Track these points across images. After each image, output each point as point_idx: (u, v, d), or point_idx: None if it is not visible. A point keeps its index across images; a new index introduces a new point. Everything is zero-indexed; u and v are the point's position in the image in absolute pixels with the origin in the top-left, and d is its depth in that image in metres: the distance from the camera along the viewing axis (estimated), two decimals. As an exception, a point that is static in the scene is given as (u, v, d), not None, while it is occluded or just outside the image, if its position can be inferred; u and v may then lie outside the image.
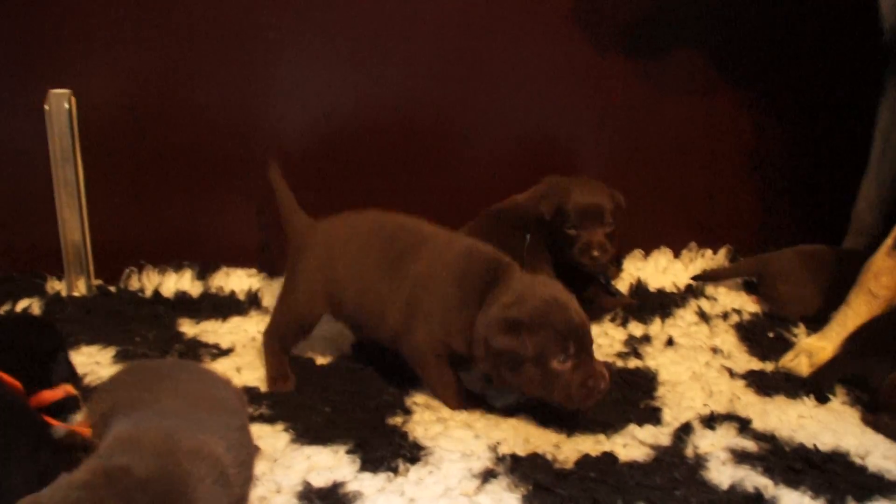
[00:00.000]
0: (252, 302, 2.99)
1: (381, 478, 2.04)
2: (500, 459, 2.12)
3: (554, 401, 2.21)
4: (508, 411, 2.36)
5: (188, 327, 2.83)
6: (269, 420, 2.28)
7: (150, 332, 2.77)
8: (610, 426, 2.28)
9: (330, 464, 2.09)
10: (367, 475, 2.05)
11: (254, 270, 3.16)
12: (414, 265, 2.34)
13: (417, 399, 2.41)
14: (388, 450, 2.13)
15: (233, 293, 3.04)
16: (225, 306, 2.96)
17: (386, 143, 3.19)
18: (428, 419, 2.31)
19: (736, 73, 3.28)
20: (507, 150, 3.24)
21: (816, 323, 2.78)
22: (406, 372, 2.50)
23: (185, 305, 2.97)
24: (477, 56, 3.15)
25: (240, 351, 2.69)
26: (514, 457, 2.12)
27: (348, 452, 2.13)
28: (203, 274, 3.11)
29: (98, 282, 3.11)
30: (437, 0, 3.09)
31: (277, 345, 2.53)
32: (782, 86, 3.31)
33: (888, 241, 2.59)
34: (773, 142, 3.36)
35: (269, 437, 2.19)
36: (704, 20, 3.22)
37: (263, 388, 2.45)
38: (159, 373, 1.98)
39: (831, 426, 2.35)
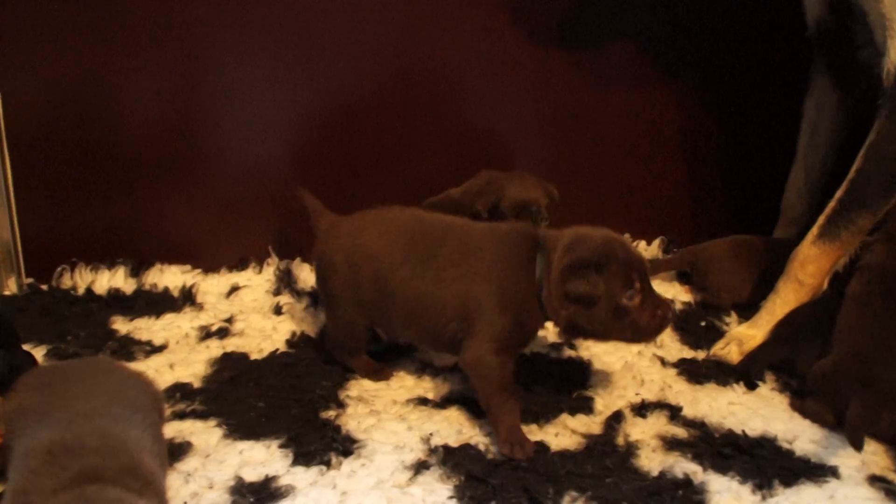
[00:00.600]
0: (186, 298, 2.97)
1: (313, 471, 2.04)
2: (432, 451, 2.13)
3: (628, 339, 2.23)
4: (442, 403, 2.37)
5: (121, 325, 2.80)
6: (201, 416, 2.27)
7: (82, 330, 2.74)
8: (542, 416, 2.30)
9: (262, 458, 2.09)
10: (299, 469, 2.05)
11: (188, 267, 3.13)
12: (449, 258, 2.28)
13: (351, 392, 2.41)
14: (321, 443, 2.13)
15: (167, 290, 3.01)
16: (159, 303, 2.93)
17: (326, 140, 3.19)
18: (361, 412, 2.31)
19: (670, 65, 3.32)
20: (447, 144, 3.25)
21: (748, 311, 2.82)
22: (340, 365, 2.52)
23: (118, 303, 2.94)
24: (418, 52, 3.15)
25: (173, 347, 2.67)
26: (446, 448, 2.14)
27: (281, 447, 2.13)
28: (137, 271, 3.07)
29: (29, 280, 3.07)
30: (379, -1, 3.10)
31: (345, 353, 2.52)
32: (715, 78, 3.35)
33: (814, 231, 2.63)
34: (707, 134, 3.40)
35: (202, 433, 2.19)
36: (639, 13, 3.24)
37: (196, 384, 2.44)
38: (67, 374, 1.95)
39: (760, 412, 2.38)
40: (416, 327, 2.34)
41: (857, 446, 2.11)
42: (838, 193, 2.60)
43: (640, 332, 2.20)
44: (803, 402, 2.39)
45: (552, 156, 3.34)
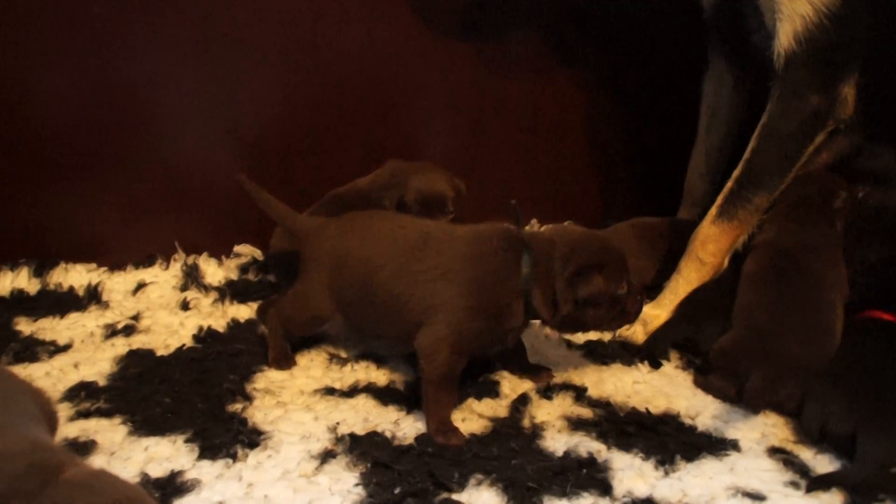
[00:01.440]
0: (92, 297, 2.92)
1: (219, 464, 2.04)
2: (339, 440, 2.13)
3: (617, 325, 2.37)
4: (349, 392, 2.37)
5: (25, 326, 2.75)
6: (106, 414, 2.24)
7: (-17, 332, 2.70)
8: (449, 401, 2.32)
9: (168, 454, 2.07)
10: (205, 463, 2.04)
11: (94, 265, 3.08)
12: (426, 261, 2.29)
13: (258, 385, 2.40)
14: (227, 436, 2.12)
15: (72, 289, 2.96)
16: (63, 302, 2.88)
17: (231, 134, 3.16)
18: (268, 404, 2.30)
19: (572, 52, 3.36)
20: (355, 134, 3.24)
21: (654, 292, 2.85)
22: (248, 358, 2.51)
23: (21, 304, 2.88)
24: (325, 42, 3.14)
25: (78, 346, 2.62)
26: (353, 436, 2.14)
27: (187, 441, 2.12)
28: (41, 271, 3.02)
29: (-71, 282, 3.00)
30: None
31: (282, 329, 2.52)
32: (617, 63, 3.40)
33: (712, 211, 2.69)
34: (610, 118, 3.45)
35: (107, 431, 2.16)
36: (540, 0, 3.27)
37: (101, 382, 2.41)
38: None
39: (664, 390, 2.44)
40: (393, 327, 2.35)
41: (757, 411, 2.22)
42: (735, 173, 2.66)
43: (628, 316, 2.31)
44: (706, 378, 2.44)
45: (459, 144, 3.36)
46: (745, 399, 2.29)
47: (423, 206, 2.81)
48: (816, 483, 2.05)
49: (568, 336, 2.67)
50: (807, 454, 2.18)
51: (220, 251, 3.17)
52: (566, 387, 2.40)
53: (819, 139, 2.61)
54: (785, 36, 2.49)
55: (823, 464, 2.15)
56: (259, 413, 2.26)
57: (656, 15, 3.34)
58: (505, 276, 2.23)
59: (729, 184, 2.66)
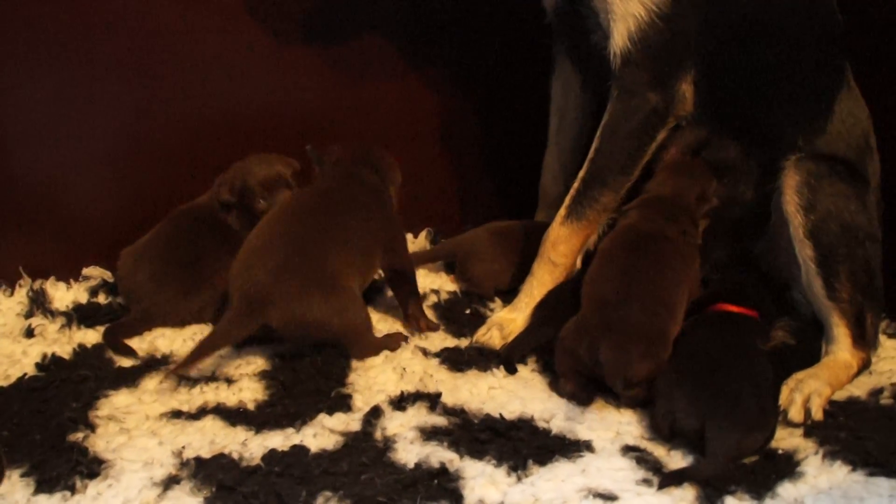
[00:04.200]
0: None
1: (56, 498, 1.96)
2: (184, 464, 2.07)
3: None
4: (196, 414, 2.31)
5: None
6: (-63, 452, 2.15)
7: None
8: (299, 418, 2.27)
9: (2, 490, 1.99)
10: (41, 498, 1.97)
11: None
12: None
13: (102, 412, 2.31)
14: (66, 468, 2.04)
15: None
16: None
17: (74, 152, 3.05)
18: (112, 431, 2.23)
19: (421, 57, 3.33)
20: (206, 149, 3.16)
21: (512, 295, 2.85)
22: (93, 384, 2.42)
23: None
24: (177, 59, 3.07)
25: None
26: (198, 460, 2.08)
27: (23, 476, 2.03)
28: None
29: None
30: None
31: None
32: (467, 67, 3.39)
33: (561, 212, 2.70)
34: (464, 123, 3.44)
35: (-61, 471, 2.07)
36: (386, 4, 3.25)
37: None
38: None
39: (519, 394, 2.42)
40: None
41: (619, 389, 2.27)
42: (581, 173, 2.68)
43: None
44: (560, 383, 2.44)
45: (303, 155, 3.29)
46: (605, 376, 2.28)
47: (267, 187, 2.80)
48: (668, 479, 2.06)
49: (423, 343, 2.66)
50: (660, 451, 2.19)
51: (69, 274, 3.06)
52: (420, 396, 2.37)
53: (661, 136, 2.65)
54: (619, 36, 2.52)
55: (676, 459, 2.17)
56: (101, 441, 2.18)
57: (507, 17, 3.34)
58: None
59: (575, 184, 2.68)
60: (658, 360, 2.31)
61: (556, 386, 2.45)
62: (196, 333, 2.69)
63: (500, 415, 2.29)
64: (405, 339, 2.66)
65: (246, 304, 2.42)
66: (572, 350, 2.38)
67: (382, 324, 2.81)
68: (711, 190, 2.78)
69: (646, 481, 2.06)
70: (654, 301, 2.42)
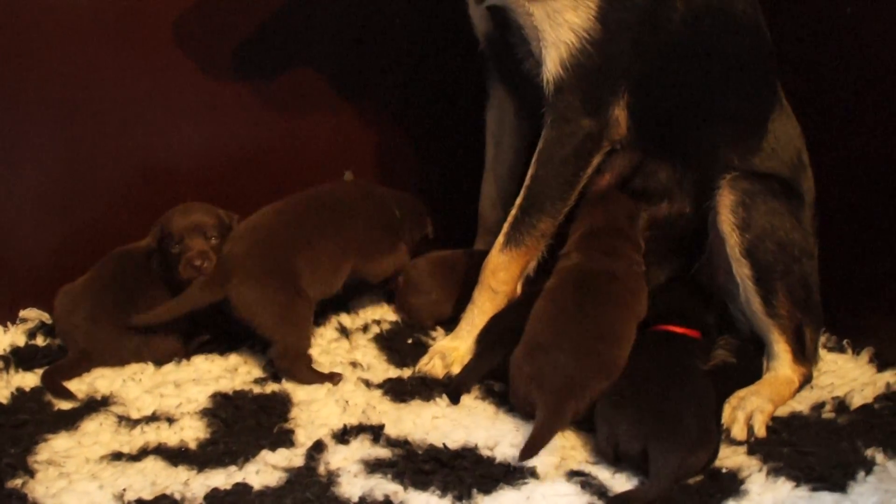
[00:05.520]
0: None
1: (-5, 547, 1.93)
2: (124, 507, 2.04)
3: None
4: (138, 455, 2.28)
5: None
6: None
7: None
8: (241, 455, 2.25)
9: (-63, 544, 1.96)
10: (-26, 550, 1.93)
11: None
12: None
13: (41, 456, 2.27)
14: (5, 515, 2.01)
15: None
16: None
17: (20, 190, 3.02)
18: (51, 476, 2.19)
19: (360, 89, 3.34)
20: (133, 187, 3.15)
21: (453, 324, 2.86)
22: (32, 428, 2.38)
23: None
24: (103, 96, 3.04)
25: None
26: (140, 502, 2.06)
27: (-45, 529, 2.00)
28: None
29: None
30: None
31: None
32: (405, 96, 3.40)
33: (500, 239, 2.71)
34: (401, 154, 3.44)
35: None
36: (321, 34, 3.25)
37: None
38: None
39: (463, 422, 2.40)
40: None
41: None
42: (518, 200, 2.69)
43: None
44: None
45: (239, 188, 3.25)
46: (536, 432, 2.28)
47: (183, 234, 2.74)
48: (613, 503, 2.06)
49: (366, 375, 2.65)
50: (605, 475, 2.20)
51: (6, 317, 3.01)
52: (363, 428, 2.35)
53: (596, 160, 2.67)
54: (552, 63, 2.54)
55: (621, 482, 2.17)
56: (41, 487, 2.14)
57: (441, 47, 3.35)
58: None
59: (513, 211, 2.69)
60: (589, 399, 2.33)
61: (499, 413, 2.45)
62: (136, 373, 2.66)
63: (444, 444, 2.28)
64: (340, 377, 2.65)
65: (217, 272, 2.63)
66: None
67: (325, 357, 2.79)
68: (636, 207, 2.80)
69: (591, 505, 2.06)
70: (595, 339, 2.43)
